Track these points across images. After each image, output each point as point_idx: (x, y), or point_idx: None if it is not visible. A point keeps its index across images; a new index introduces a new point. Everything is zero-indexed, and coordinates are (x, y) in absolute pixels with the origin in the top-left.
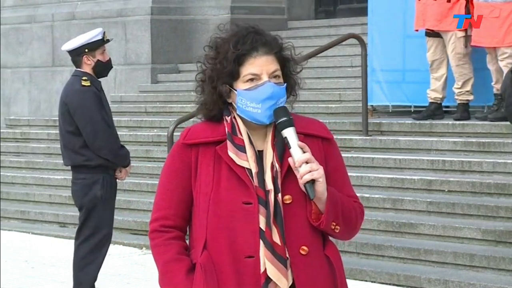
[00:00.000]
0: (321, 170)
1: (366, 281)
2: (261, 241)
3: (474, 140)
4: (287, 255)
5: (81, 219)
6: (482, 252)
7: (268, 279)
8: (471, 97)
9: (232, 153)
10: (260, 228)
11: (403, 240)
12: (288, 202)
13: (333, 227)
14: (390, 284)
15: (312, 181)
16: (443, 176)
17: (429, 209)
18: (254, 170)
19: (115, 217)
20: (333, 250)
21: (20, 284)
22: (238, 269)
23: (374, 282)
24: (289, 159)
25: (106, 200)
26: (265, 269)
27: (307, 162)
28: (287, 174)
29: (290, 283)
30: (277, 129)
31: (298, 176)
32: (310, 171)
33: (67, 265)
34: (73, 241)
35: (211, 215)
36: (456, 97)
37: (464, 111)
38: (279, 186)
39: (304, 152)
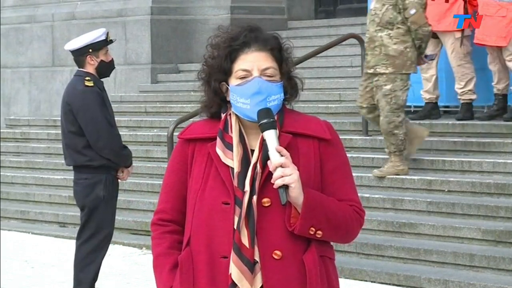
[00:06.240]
0: (295, 176)
1: (366, 281)
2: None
3: (474, 140)
4: (256, 259)
5: (83, 219)
6: (482, 252)
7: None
8: (474, 96)
9: (219, 149)
10: (234, 229)
11: (403, 240)
12: (266, 205)
13: (312, 232)
14: (390, 284)
15: (286, 186)
16: (443, 176)
17: (429, 209)
18: (236, 169)
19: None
20: (311, 256)
21: (20, 284)
22: (213, 268)
23: (374, 282)
24: (268, 162)
25: (108, 201)
26: None
27: (282, 166)
28: (269, 177)
29: (259, 286)
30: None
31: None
32: (282, 176)
33: (67, 265)
34: (73, 241)
35: (196, 212)
36: (459, 97)
37: (467, 111)
38: (256, 188)
39: (281, 155)
